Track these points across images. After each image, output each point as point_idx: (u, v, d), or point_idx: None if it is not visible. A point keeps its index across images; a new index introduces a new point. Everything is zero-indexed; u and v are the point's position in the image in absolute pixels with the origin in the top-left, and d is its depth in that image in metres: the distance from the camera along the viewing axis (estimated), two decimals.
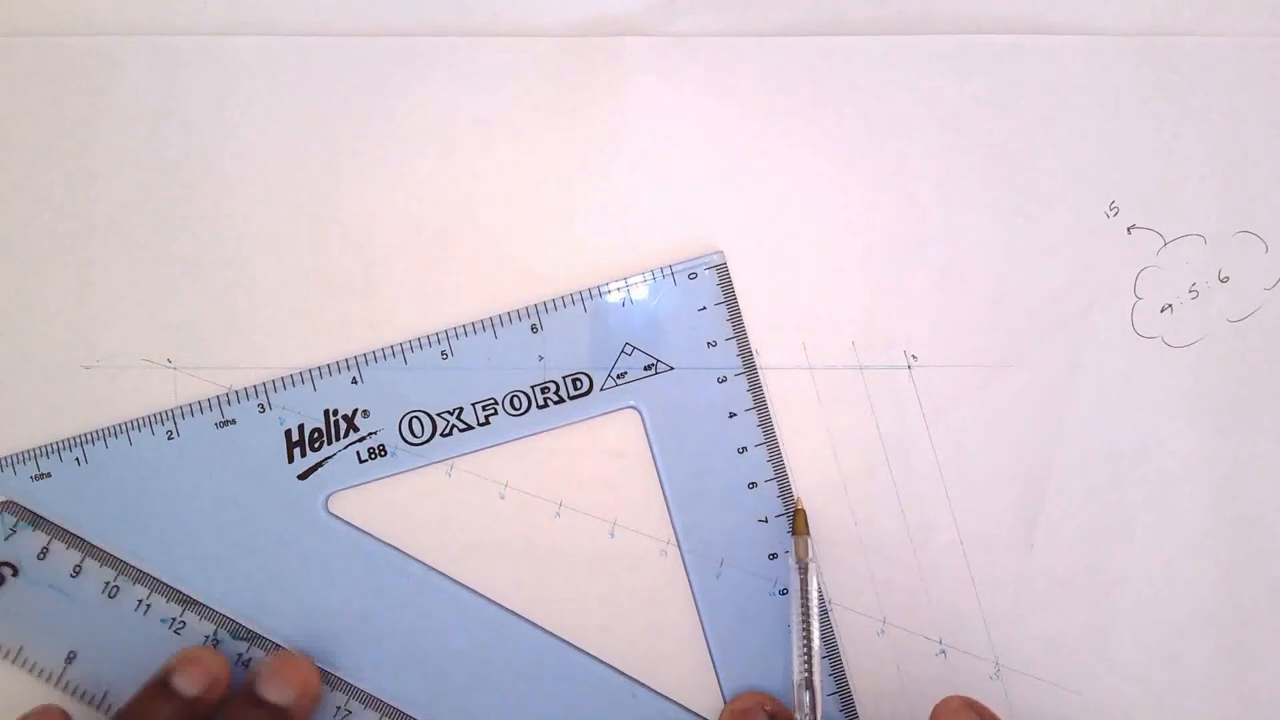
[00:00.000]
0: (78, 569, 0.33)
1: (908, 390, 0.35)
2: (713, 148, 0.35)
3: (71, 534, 0.33)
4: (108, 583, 0.33)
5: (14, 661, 0.33)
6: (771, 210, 0.35)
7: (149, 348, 0.34)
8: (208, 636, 0.34)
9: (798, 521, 0.34)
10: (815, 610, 0.32)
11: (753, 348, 0.35)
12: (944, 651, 0.35)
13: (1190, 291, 0.35)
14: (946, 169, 0.35)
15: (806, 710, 0.31)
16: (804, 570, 0.33)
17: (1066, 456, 0.35)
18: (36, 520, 0.33)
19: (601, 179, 0.35)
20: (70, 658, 0.33)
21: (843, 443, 0.35)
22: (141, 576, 0.34)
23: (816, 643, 0.32)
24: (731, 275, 0.35)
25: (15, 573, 0.33)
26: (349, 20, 0.35)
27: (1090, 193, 0.35)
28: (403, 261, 0.35)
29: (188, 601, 0.34)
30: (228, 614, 0.34)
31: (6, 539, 0.33)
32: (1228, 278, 0.35)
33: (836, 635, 0.35)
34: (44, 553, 0.33)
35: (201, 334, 0.34)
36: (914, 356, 0.35)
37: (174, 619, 0.34)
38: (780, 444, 0.35)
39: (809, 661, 0.32)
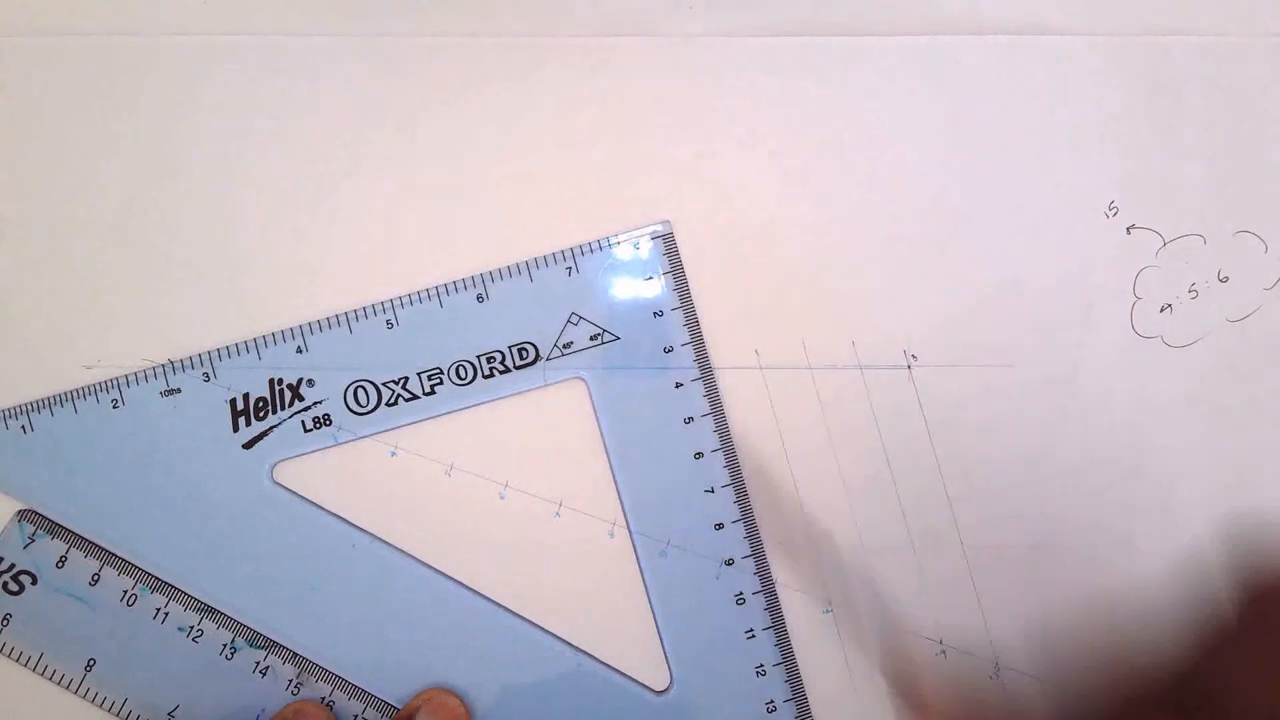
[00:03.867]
0: (96, 577, 0.34)
1: (908, 390, 0.35)
2: (712, 147, 0.35)
3: (90, 542, 0.34)
4: (126, 591, 0.34)
5: (34, 669, 0.34)
6: (771, 210, 0.35)
7: (150, 348, 0.35)
8: (225, 645, 0.34)
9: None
10: None
11: (754, 348, 0.35)
12: (944, 652, 0.35)
13: (1190, 291, 0.35)
14: (946, 169, 0.35)
15: None
16: None
17: (1066, 456, 0.35)
18: (55, 528, 0.34)
19: (600, 179, 0.35)
20: (89, 665, 0.34)
21: (843, 443, 0.35)
22: (160, 585, 0.34)
23: None
24: (731, 275, 0.35)
25: (34, 581, 0.34)
26: (349, 20, 0.35)
27: (1090, 193, 0.35)
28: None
29: (206, 610, 0.34)
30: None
31: (25, 547, 0.34)
32: (1227, 278, 0.35)
33: (838, 636, 0.35)
34: (62, 561, 0.34)
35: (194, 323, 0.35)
36: (914, 356, 0.35)
37: (192, 627, 0.34)
38: (781, 443, 0.35)
39: None
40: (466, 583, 0.35)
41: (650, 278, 0.35)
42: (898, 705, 0.35)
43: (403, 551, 0.35)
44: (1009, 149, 0.35)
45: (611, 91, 0.35)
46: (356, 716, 0.34)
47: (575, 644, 0.35)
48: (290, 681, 0.34)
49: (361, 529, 0.35)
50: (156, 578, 0.34)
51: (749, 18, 0.35)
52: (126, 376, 0.34)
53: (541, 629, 0.35)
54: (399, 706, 0.34)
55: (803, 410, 0.35)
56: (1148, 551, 0.36)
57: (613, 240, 0.35)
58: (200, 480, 0.34)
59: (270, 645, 0.34)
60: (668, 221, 0.35)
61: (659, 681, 0.35)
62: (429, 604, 0.35)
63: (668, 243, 0.35)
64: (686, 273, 0.35)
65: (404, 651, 0.35)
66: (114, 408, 0.34)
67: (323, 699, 0.34)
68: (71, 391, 0.34)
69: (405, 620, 0.35)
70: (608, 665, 0.35)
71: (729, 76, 0.35)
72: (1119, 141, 0.35)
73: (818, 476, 0.35)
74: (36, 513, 0.34)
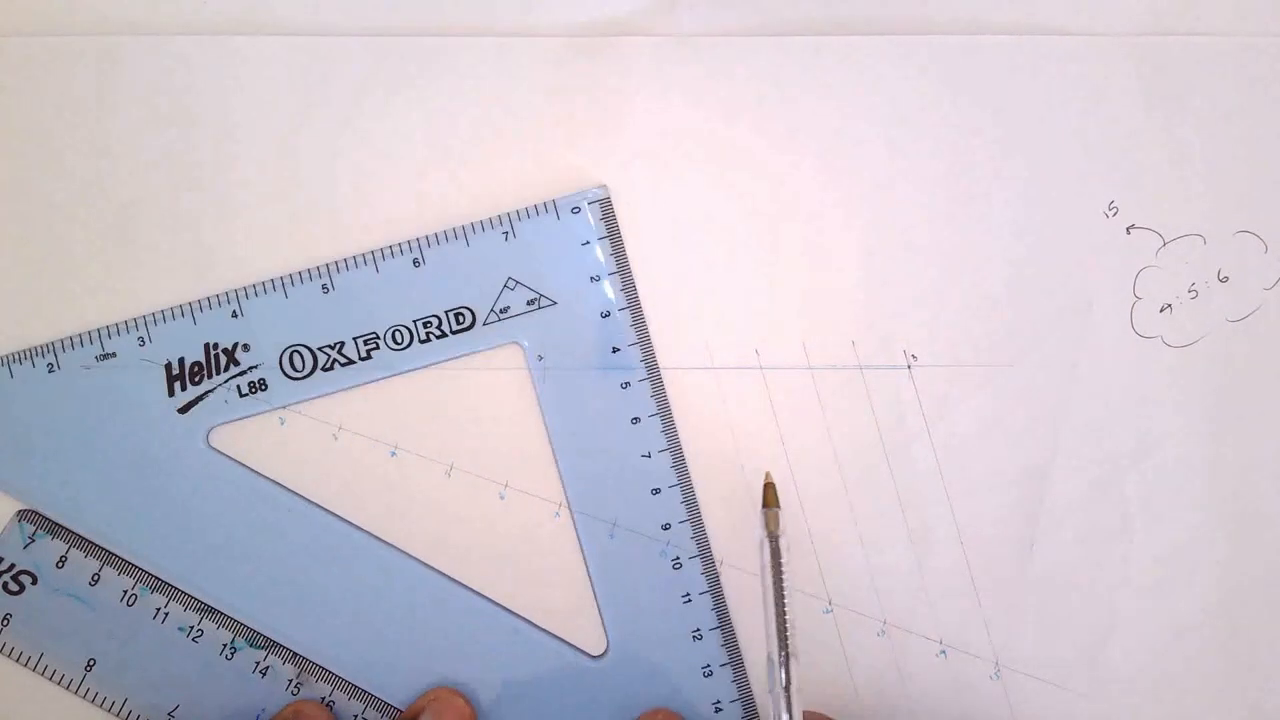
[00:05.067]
0: (96, 577, 0.34)
1: (908, 390, 0.35)
2: (711, 147, 0.35)
3: (90, 542, 0.34)
4: (126, 591, 0.34)
5: (34, 669, 0.34)
6: (770, 210, 0.35)
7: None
8: (225, 644, 0.34)
9: (767, 495, 0.33)
10: (787, 585, 0.31)
11: (754, 348, 0.35)
12: (944, 651, 0.35)
13: (1190, 291, 0.35)
14: (946, 169, 0.35)
15: (781, 686, 0.30)
16: (774, 542, 0.32)
17: (1066, 456, 0.35)
18: (55, 528, 0.34)
19: (599, 179, 0.35)
20: (89, 665, 0.34)
21: (843, 443, 0.35)
22: (160, 585, 0.34)
23: (792, 617, 0.31)
24: (730, 274, 0.35)
25: (34, 581, 0.34)
26: (349, 20, 0.35)
27: (1090, 193, 0.35)
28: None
29: (206, 610, 0.34)
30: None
31: (25, 547, 0.34)
32: (1227, 278, 0.35)
33: (838, 635, 0.35)
34: (62, 561, 0.34)
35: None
36: (914, 356, 0.35)
37: (192, 627, 0.34)
38: (780, 443, 0.35)
39: (784, 638, 0.31)
40: (406, 549, 0.35)
41: (587, 242, 0.35)
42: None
43: (341, 518, 0.35)
44: (1009, 149, 0.35)
45: (612, 90, 0.35)
46: (356, 716, 0.35)
47: (514, 610, 0.35)
48: (290, 681, 0.34)
49: (299, 494, 0.35)
50: (156, 577, 0.34)
51: (749, 18, 0.35)
52: (61, 341, 0.34)
53: (483, 596, 0.35)
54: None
55: (803, 410, 0.35)
56: (1147, 551, 0.36)
57: (550, 205, 0.35)
58: (135, 445, 0.34)
59: (270, 645, 0.34)
60: (605, 186, 0.35)
61: (596, 646, 0.35)
62: (364, 569, 0.35)
63: (605, 207, 0.35)
64: (685, 272, 0.35)
65: (339, 613, 0.35)
66: (50, 372, 0.34)
67: (323, 699, 0.34)
68: (5, 356, 0.34)
69: (340, 585, 0.35)
70: (550, 633, 0.35)
71: (728, 76, 0.35)
72: (1119, 141, 0.35)
73: (818, 477, 0.35)
74: (36, 513, 0.34)
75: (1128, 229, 0.35)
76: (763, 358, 0.35)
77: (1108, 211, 0.35)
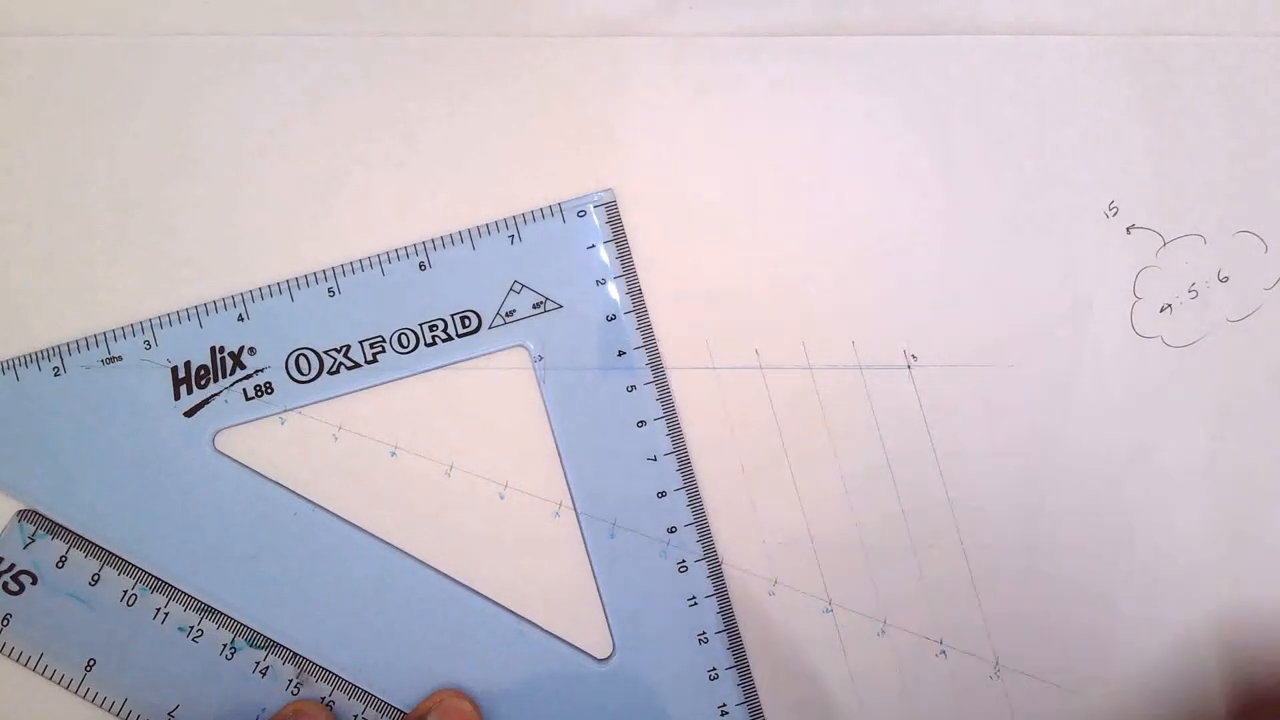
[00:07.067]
0: (96, 577, 0.34)
1: (908, 390, 0.35)
2: (712, 148, 0.35)
3: (90, 542, 0.34)
4: (126, 591, 0.34)
5: (34, 669, 0.34)
6: (771, 210, 0.35)
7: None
8: (225, 644, 0.34)
9: None
10: None
11: (754, 348, 0.35)
12: (944, 652, 0.35)
13: (1190, 291, 0.35)
14: (946, 169, 0.35)
15: None
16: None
17: (1066, 456, 0.35)
18: (55, 528, 0.34)
19: (599, 179, 0.35)
20: (90, 665, 0.34)
21: (843, 443, 0.35)
22: (160, 585, 0.34)
23: None
24: (730, 274, 0.35)
25: (35, 581, 0.34)
26: (352, 21, 0.35)
27: (1090, 193, 0.35)
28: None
29: (206, 610, 0.34)
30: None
31: (25, 547, 0.34)
32: (1227, 278, 0.35)
33: (838, 635, 0.35)
34: (62, 561, 0.34)
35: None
36: (914, 356, 0.35)
37: (192, 627, 0.34)
38: (781, 443, 0.35)
39: None
40: (409, 550, 0.35)
41: (593, 245, 0.35)
42: None
43: (341, 518, 0.35)
44: (1009, 149, 0.35)
45: (612, 90, 0.35)
46: (356, 716, 0.35)
47: (517, 611, 0.35)
48: (290, 681, 0.34)
49: (305, 497, 0.35)
50: (156, 577, 0.34)
51: (749, 18, 0.35)
52: (67, 344, 0.34)
53: (485, 597, 0.35)
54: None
55: (802, 410, 0.35)
56: (1147, 551, 0.36)
57: (556, 208, 0.35)
58: (139, 447, 0.34)
59: (270, 645, 0.34)
60: (611, 189, 0.35)
61: (601, 649, 0.35)
62: (371, 572, 0.35)
63: (611, 210, 0.35)
64: (684, 272, 0.35)
65: (343, 616, 0.35)
66: (55, 376, 0.34)
67: (323, 699, 0.34)
68: (10, 359, 0.34)
69: (346, 587, 0.35)
70: (553, 634, 0.35)
71: (728, 76, 0.35)
72: (1119, 141, 0.35)
73: (818, 476, 0.35)
74: (37, 513, 0.34)
75: (1128, 229, 0.35)
76: (763, 358, 0.35)
77: (1108, 211, 0.35)
